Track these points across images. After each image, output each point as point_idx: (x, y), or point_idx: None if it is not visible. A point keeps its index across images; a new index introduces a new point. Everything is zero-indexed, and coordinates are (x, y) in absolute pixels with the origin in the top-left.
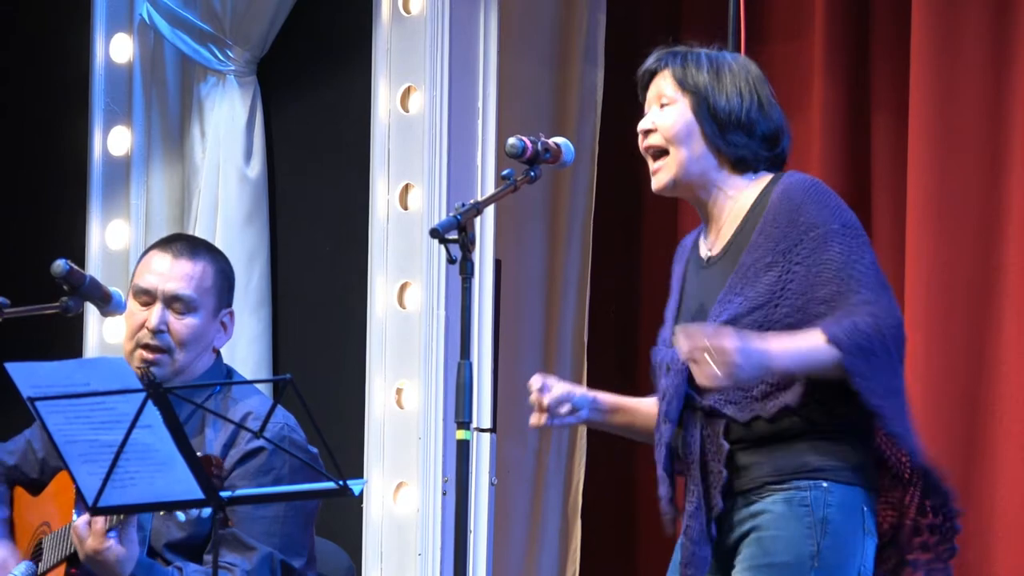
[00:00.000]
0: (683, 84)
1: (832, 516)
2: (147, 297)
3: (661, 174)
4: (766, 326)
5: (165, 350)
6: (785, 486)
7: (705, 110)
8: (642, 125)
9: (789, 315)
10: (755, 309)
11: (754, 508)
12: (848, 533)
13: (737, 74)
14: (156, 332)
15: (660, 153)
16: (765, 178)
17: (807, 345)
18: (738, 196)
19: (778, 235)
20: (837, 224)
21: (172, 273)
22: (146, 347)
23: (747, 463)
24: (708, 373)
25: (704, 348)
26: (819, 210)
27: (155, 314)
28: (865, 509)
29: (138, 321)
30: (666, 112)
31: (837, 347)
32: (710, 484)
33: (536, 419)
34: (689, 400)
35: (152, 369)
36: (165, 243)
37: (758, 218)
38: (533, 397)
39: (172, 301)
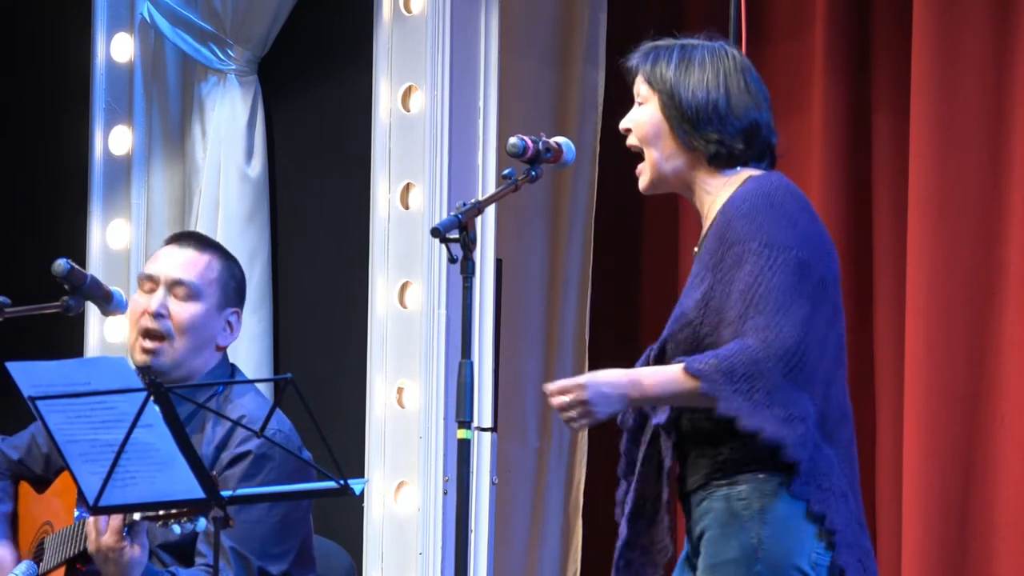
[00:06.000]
0: (651, 83)
1: (770, 505)
2: (151, 283)
3: (641, 177)
4: (694, 342)
5: (164, 336)
6: (726, 482)
7: (672, 107)
8: (622, 124)
9: (709, 334)
10: (685, 326)
11: (703, 507)
12: (791, 522)
13: (707, 66)
14: (156, 315)
15: (641, 155)
16: (742, 175)
17: (670, 377)
18: (717, 194)
19: (712, 248)
20: (756, 243)
21: (177, 260)
22: (146, 333)
23: (696, 461)
24: (570, 421)
25: (560, 400)
26: (746, 225)
27: (156, 298)
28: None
29: (140, 307)
30: (640, 111)
31: (696, 377)
32: (662, 475)
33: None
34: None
35: (152, 359)
36: (176, 237)
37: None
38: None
39: (174, 286)
